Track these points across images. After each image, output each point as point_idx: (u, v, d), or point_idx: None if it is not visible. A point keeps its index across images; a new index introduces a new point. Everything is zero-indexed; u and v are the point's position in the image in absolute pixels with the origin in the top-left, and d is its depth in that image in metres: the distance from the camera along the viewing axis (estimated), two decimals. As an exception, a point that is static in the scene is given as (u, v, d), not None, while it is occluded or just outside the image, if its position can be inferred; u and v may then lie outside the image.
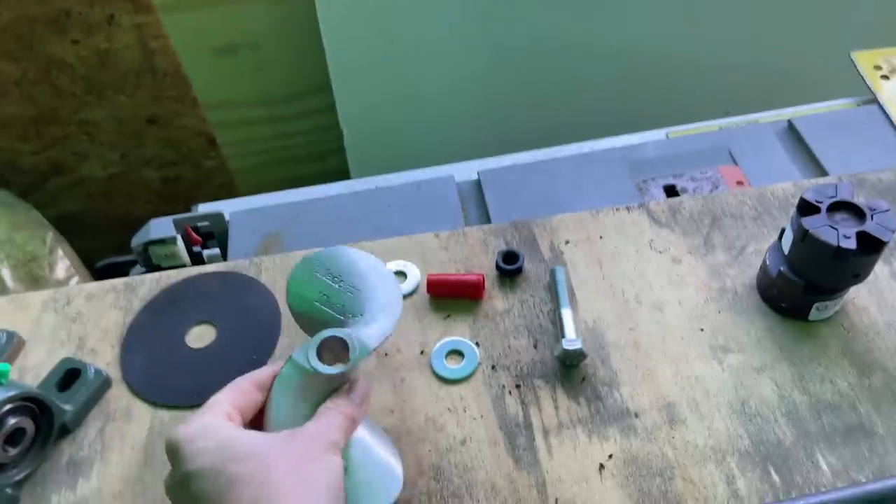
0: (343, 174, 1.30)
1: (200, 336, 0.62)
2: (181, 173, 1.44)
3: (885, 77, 0.79)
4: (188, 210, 1.47)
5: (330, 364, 0.44)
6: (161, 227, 0.69)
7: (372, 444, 0.49)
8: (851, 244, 0.51)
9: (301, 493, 0.38)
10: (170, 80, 1.25)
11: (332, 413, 0.43)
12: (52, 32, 1.15)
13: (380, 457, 0.49)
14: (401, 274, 0.64)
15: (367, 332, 0.46)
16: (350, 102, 1.15)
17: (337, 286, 0.49)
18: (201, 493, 0.38)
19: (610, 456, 0.52)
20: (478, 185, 0.75)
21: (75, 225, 1.46)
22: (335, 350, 0.45)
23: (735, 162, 0.74)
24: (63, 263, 1.16)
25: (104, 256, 1.32)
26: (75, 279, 1.16)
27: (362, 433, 0.48)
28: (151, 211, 1.50)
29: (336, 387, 0.45)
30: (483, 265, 0.64)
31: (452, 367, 0.58)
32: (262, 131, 1.34)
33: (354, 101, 1.15)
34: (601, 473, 0.51)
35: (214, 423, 0.41)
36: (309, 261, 0.50)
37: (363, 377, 0.47)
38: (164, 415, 0.57)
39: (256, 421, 0.45)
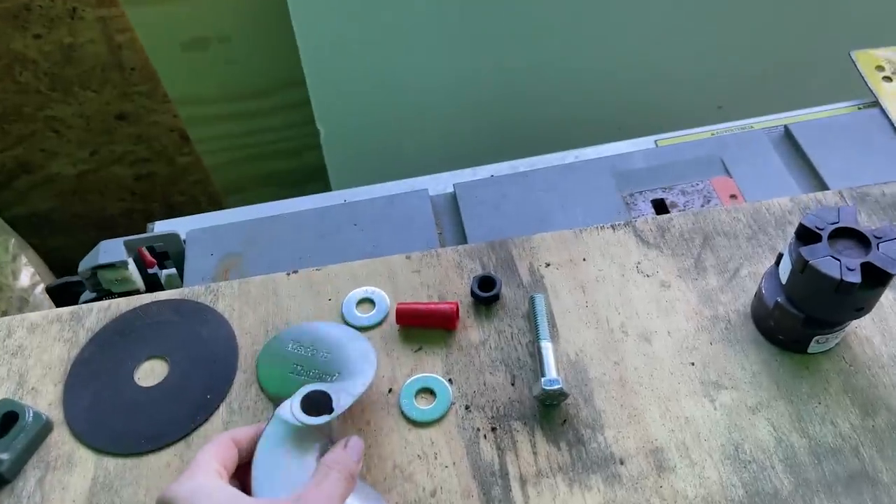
0: (320, 170, 1.25)
1: (151, 372, 0.57)
2: (154, 170, 1.39)
3: (888, 78, 0.74)
4: (163, 207, 1.41)
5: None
6: (111, 249, 0.64)
7: (362, 488, 0.47)
8: (856, 277, 0.46)
9: None
10: (138, 76, 1.20)
11: (333, 473, 0.43)
12: (13, 27, 1.09)
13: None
14: (368, 302, 0.59)
15: (349, 383, 0.49)
16: (325, 97, 1.10)
17: (309, 355, 0.54)
18: None
19: (592, 508, 0.48)
20: (453, 198, 0.70)
21: (47, 224, 1.42)
22: (317, 404, 0.46)
23: (728, 172, 0.69)
24: (27, 271, 1.11)
25: (77, 255, 1.27)
26: (40, 287, 1.11)
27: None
28: (125, 209, 1.46)
29: (321, 440, 0.46)
30: (457, 290, 0.60)
31: (423, 408, 0.53)
32: (236, 127, 1.29)
33: (329, 95, 1.09)
34: (583, 529, 0.47)
35: (210, 484, 0.41)
36: (277, 339, 0.54)
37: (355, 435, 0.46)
38: (110, 463, 0.52)
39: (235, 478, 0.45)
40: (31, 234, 1.35)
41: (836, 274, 0.47)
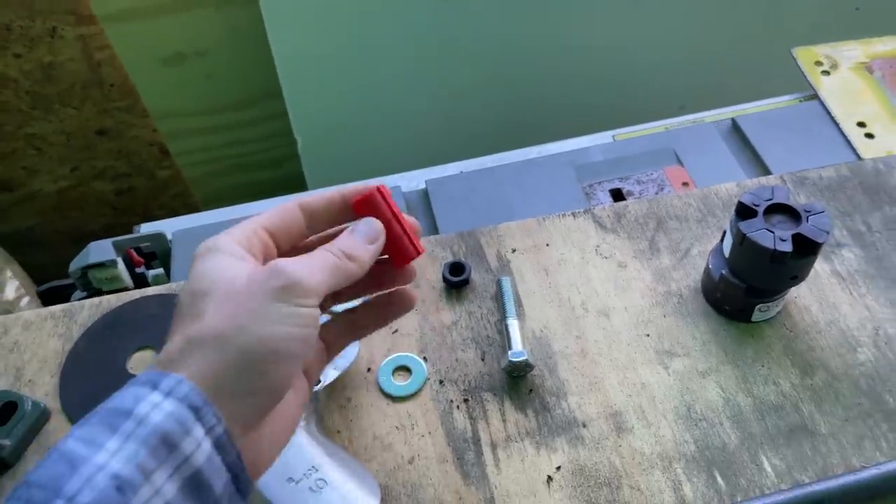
0: (299, 180, 1.29)
1: (142, 361, 0.61)
2: (135, 184, 1.42)
3: (826, 73, 0.80)
4: (145, 221, 1.45)
5: None
6: (100, 249, 0.67)
7: (347, 462, 0.50)
8: (787, 247, 0.51)
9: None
10: (117, 91, 1.23)
11: (323, 251, 0.39)
12: (-7, 47, 1.12)
13: (357, 472, 0.50)
14: (346, 290, 0.63)
15: (335, 359, 0.48)
16: (302, 108, 1.14)
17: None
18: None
19: (558, 468, 0.52)
20: (425, 194, 0.74)
21: (28, 241, 1.43)
22: None
23: (680, 162, 0.74)
24: (12, 284, 1.13)
25: (59, 271, 1.29)
26: (26, 299, 1.13)
27: (332, 454, 0.49)
28: (106, 224, 1.48)
29: (308, 411, 0.48)
30: (430, 277, 0.64)
31: (400, 384, 0.57)
32: (215, 139, 1.33)
33: (306, 106, 1.13)
34: (549, 486, 0.51)
35: (218, 246, 0.39)
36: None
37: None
38: (106, 445, 0.55)
39: (301, 249, 0.42)
40: (13, 251, 1.36)
41: (769, 244, 0.51)
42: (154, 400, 0.32)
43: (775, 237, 0.52)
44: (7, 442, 0.55)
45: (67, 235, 1.46)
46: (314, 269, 0.37)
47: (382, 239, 0.41)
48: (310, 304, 0.36)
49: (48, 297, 0.78)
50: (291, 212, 0.41)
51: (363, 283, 0.42)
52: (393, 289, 0.45)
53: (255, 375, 0.34)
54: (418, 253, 0.43)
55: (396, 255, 0.43)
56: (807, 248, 0.52)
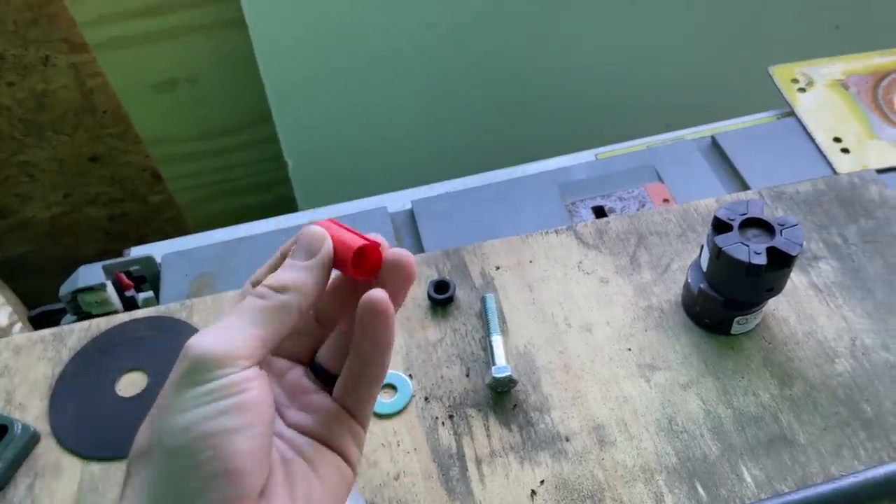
0: (290, 203, 1.30)
1: (131, 384, 0.61)
2: (128, 210, 1.43)
3: (802, 90, 0.82)
4: (138, 246, 1.45)
5: None
6: (90, 273, 0.68)
7: None
8: (762, 260, 0.52)
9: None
10: (110, 118, 1.24)
11: (245, 301, 0.34)
12: (-13, 76, 1.14)
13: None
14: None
15: None
16: (291, 132, 1.15)
17: None
18: None
19: (542, 482, 0.53)
20: (411, 214, 0.75)
21: (21, 268, 1.44)
22: None
23: (661, 179, 0.75)
24: (5, 310, 1.14)
25: (53, 298, 1.30)
26: (18, 325, 1.14)
27: None
28: (99, 250, 1.49)
29: None
30: (416, 295, 0.65)
31: (385, 402, 0.58)
32: (206, 164, 1.34)
33: (296, 130, 1.15)
34: (533, 500, 0.52)
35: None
36: None
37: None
38: (95, 468, 0.56)
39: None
40: (6, 278, 1.37)
41: (744, 258, 0.53)
42: None
43: (750, 250, 0.53)
44: (-3, 465, 0.55)
45: (61, 262, 1.46)
46: (231, 328, 0.33)
47: (324, 247, 0.35)
48: (229, 372, 0.31)
49: (39, 322, 0.78)
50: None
51: (338, 309, 0.38)
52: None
53: (191, 473, 0.30)
54: (374, 248, 0.35)
55: (355, 264, 0.35)
56: (781, 261, 0.53)
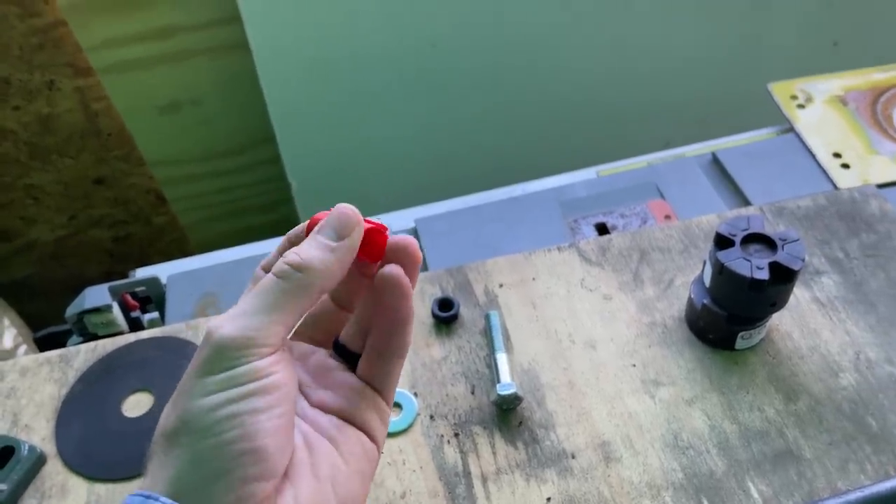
0: (293, 223, 1.30)
1: (137, 404, 0.61)
2: (132, 231, 1.44)
3: (801, 106, 0.82)
4: (141, 268, 1.46)
5: None
6: (96, 295, 0.69)
7: None
8: (764, 275, 0.53)
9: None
10: (114, 140, 1.25)
11: (262, 282, 0.33)
12: (-7, 100, 1.15)
13: None
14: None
15: None
16: (295, 153, 1.16)
17: None
18: None
19: (548, 499, 0.53)
20: (415, 232, 0.76)
21: (26, 290, 1.45)
22: None
23: (663, 196, 0.76)
24: (10, 332, 1.14)
25: (58, 320, 1.30)
26: (23, 348, 1.14)
27: None
28: (103, 272, 1.50)
29: None
30: (420, 313, 0.65)
31: (391, 420, 0.58)
32: (210, 185, 1.35)
33: (299, 151, 1.16)
34: (539, 517, 0.52)
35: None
36: None
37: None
38: (101, 489, 0.56)
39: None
40: (10, 301, 1.38)
41: (747, 273, 0.53)
42: None
43: (752, 265, 0.53)
44: (4, 486, 0.55)
45: (65, 284, 1.47)
46: (253, 313, 0.32)
47: (357, 230, 0.34)
48: (252, 359, 0.32)
49: (45, 343, 0.79)
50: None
51: (352, 292, 0.38)
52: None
53: (217, 453, 0.30)
54: (380, 231, 0.36)
55: (364, 246, 0.35)
56: (783, 276, 0.53)
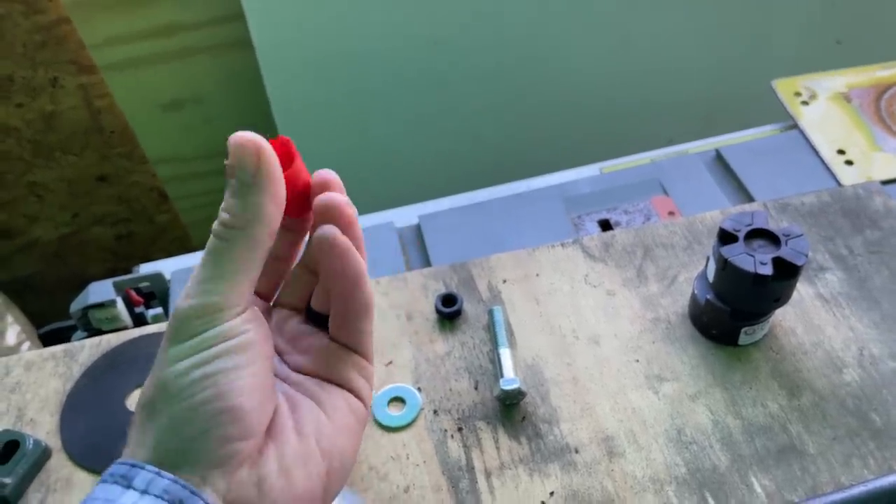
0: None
1: (142, 399, 0.61)
2: (134, 230, 1.44)
3: (805, 103, 0.82)
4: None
5: None
6: (100, 290, 0.69)
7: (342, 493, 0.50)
8: (768, 270, 0.53)
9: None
10: (117, 138, 1.26)
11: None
12: (-4, 98, 1.15)
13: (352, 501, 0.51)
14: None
15: None
16: (298, 150, 1.16)
17: None
18: None
19: (551, 493, 0.53)
20: (418, 228, 0.76)
21: (29, 288, 1.45)
22: None
23: (666, 193, 0.76)
24: (13, 329, 1.14)
25: (60, 318, 1.30)
26: (27, 345, 1.14)
27: None
28: (106, 269, 1.50)
29: None
30: (423, 309, 0.65)
31: (394, 415, 0.58)
32: (213, 183, 1.35)
33: (302, 148, 1.15)
34: (543, 511, 0.52)
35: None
36: None
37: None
38: (105, 482, 0.56)
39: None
40: (13, 298, 1.38)
41: (751, 268, 0.53)
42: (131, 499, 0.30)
43: (756, 261, 0.53)
44: (9, 480, 0.55)
45: (68, 282, 1.47)
46: (208, 279, 0.32)
47: (263, 155, 0.31)
48: (217, 322, 0.32)
49: (50, 339, 0.79)
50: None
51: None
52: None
53: (193, 415, 0.31)
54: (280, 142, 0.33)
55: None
56: (787, 271, 0.53)
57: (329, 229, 0.33)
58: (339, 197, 0.34)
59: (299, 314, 0.40)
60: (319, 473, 0.35)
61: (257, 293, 0.38)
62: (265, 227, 0.32)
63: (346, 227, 0.34)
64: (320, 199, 0.34)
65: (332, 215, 0.34)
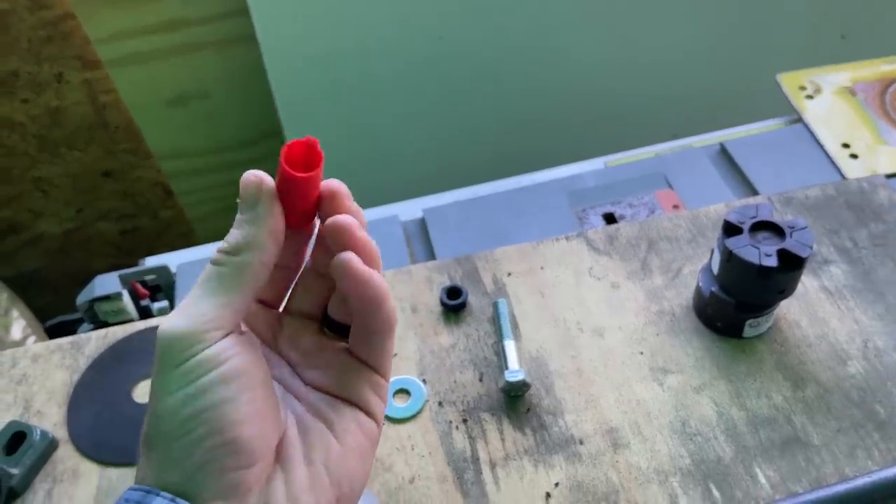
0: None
1: (148, 390, 0.62)
2: (139, 225, 1.44)
3: (810, 97, 0.82)
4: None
5: None
6: (106, 283, 0.69)
7: None
8: (773, 262, 0.53)
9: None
10: (122, 133, 1.26)
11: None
12: (1, 94, 1.15)
13: None
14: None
15: None
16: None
17: None
18: None
19: (556, 484, 0.53)
20: (423, 222, 0.76)
21: (34, 283, 1.45)
22: None
23: (671, 186, 0.76)
24: (19, 324, 1.15)
25: (64, 313, 1.31)
26: (32, 339, 1.15)
27: None
28: (111, 264, 1.50)
29: None
30: (428, 302, 0.65)
31: (400, 406, 0.58)
32: (217, 179, 1.35)
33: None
34: (548, 502, 0.52)
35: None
36: None
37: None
38: (112, 473, 0.57)
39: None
40: (19, 293, 1.39)
41: (755, 260, 0.53)
42: None
43: (760, 253, 0.53)
44: (16, 471, 0.56)
45: (72, 277, 1.47)
46: (195, 303, 0.31)
47: (264, 190, 0.32)
48: (201, 348, 0.31)
49: (56, 332, 0.79)
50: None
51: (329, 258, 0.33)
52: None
53: (191, 451, 0.30)
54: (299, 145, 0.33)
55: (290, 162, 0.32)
56: (792, 263, 0.53)
57: (346, 258, 0.32)
58: (348, 220, 0.33)
59: (315, 322, 0.38)
60: (329, 500, 0.34)
61: (263, 301, 0.38)
62: (256, 253, 0.32)
63: (360, 250, 0.33)
64: (331, 223, 0.33)
65: (342, 238, 0.33)
